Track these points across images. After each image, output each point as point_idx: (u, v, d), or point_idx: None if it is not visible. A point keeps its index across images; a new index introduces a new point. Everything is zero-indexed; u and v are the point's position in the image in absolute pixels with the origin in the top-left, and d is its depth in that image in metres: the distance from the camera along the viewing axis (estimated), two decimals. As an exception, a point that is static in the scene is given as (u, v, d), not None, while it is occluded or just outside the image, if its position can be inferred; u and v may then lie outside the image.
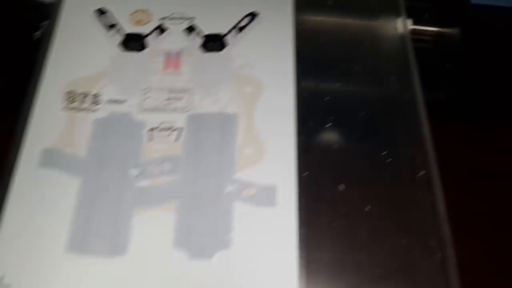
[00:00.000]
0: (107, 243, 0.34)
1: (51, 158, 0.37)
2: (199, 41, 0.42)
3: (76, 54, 0.42)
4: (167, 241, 0.34)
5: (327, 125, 0.38)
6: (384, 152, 0.37)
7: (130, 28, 0.43)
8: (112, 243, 0.34)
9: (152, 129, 0.38)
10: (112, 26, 0.43)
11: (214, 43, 0.42)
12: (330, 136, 0.38)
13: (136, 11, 0.44)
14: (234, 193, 0.35)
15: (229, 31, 0.43)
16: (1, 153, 0.37)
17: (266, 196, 0.35)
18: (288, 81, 0.40)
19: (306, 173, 0.36)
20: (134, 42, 0.42)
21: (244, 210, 0.35)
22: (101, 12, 0.44)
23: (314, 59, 0.42)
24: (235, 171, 0.36)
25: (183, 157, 0.37)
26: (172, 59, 0.41)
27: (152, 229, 0.34)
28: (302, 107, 0.38)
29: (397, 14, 0.44)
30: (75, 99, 0.39)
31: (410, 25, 0.45)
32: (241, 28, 0.43)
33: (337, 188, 0.36)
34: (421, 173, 0.36)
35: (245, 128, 0.38)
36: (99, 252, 0.34)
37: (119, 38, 0.42)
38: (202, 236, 0.34)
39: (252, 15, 0.44)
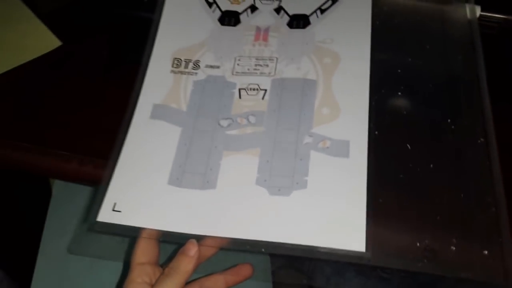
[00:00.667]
0: (200, 179, 0.40)
1: (160, 112, 0.43)
2: (285, 20, 0.48)
3: (181, 27, 0.48)
4: (250, 179, 0.39)
5: (398, 93, 0.42)
6: (449, 120, 0.40)
7: (227, 5, 0.49)
8: (205, 179, 0.40)
9: (241, 89, 0.44)
10: (211, 3, 0.49)
11: (298, 21, 0.47)
12: (400, 103, 0.42)
13: (233, -8, 0.50)
14: (311, 144, 0.40)
15: (313, 12, 0.48)
16: (121, 104, 0.44)
17: (340, 149, 0.39)
18: (364, 54, 0.44)
19: (377, 132, 0.40)
20: (230, 18, 0.48)
21: (320, 159, 0.39)
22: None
23: (388, 37, 0.46)
24: (313, 126, 0.41)
25: (267, 112, 0.42)
26: (262, 33, 0.47)
27: (238, 169, 0.40)
28: (376, 77, 0.43)
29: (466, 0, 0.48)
30: (180, 64, 0.46)
31: (478, 12, 0.47)
32: (323, 10, 0.48)
33: (405, 146, 0.39)
34: (481, 140, 0.39)
35: (323, 92, 0.42)
36: (195, 186, 0.39)
37: (217, 14, 0.49)
38: (282, 177, 0.39)
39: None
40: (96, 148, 0.45)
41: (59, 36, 0.55)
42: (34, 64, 0.53)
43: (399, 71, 0.43)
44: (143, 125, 0.43)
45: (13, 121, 0.49)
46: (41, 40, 0.55)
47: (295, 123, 0.41)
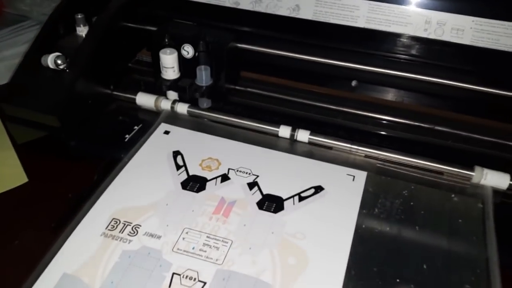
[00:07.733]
0: None
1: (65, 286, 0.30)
2: (257, 198, 0.36)
3: (137, 183, 0.38)
4: None
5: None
6: None
7: (197, 171, 0.39)
8: None
9: (175, 274, 0.31)
10: (181, 166, 0.39)
11: (270, 203, 0.36)
12: None
13: (208, 158, 0.40)
14: None
15: (290, 197, 0.37)
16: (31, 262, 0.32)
17: None
18: (339, 266, 0.31)
19: None
20: (194, 184, 0.38)
21: None
22: (178, 153, 0.41)
23: (371, 256, 0.33)
24: None
25: (196, 318, 0.28)
26: (225, 206, 0.36)
27: None
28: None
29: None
30: (116, 227, 0.34)
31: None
32: (302, 198, 0.37)
33: None
34: None
35: (275, 304, 0.29)
36: None
37: (183, 177, 0.38)
38: None
39: (318, 189, 0.38)
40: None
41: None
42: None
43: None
44: None
45: None
46: (11, 174, 0.44)
47: None
